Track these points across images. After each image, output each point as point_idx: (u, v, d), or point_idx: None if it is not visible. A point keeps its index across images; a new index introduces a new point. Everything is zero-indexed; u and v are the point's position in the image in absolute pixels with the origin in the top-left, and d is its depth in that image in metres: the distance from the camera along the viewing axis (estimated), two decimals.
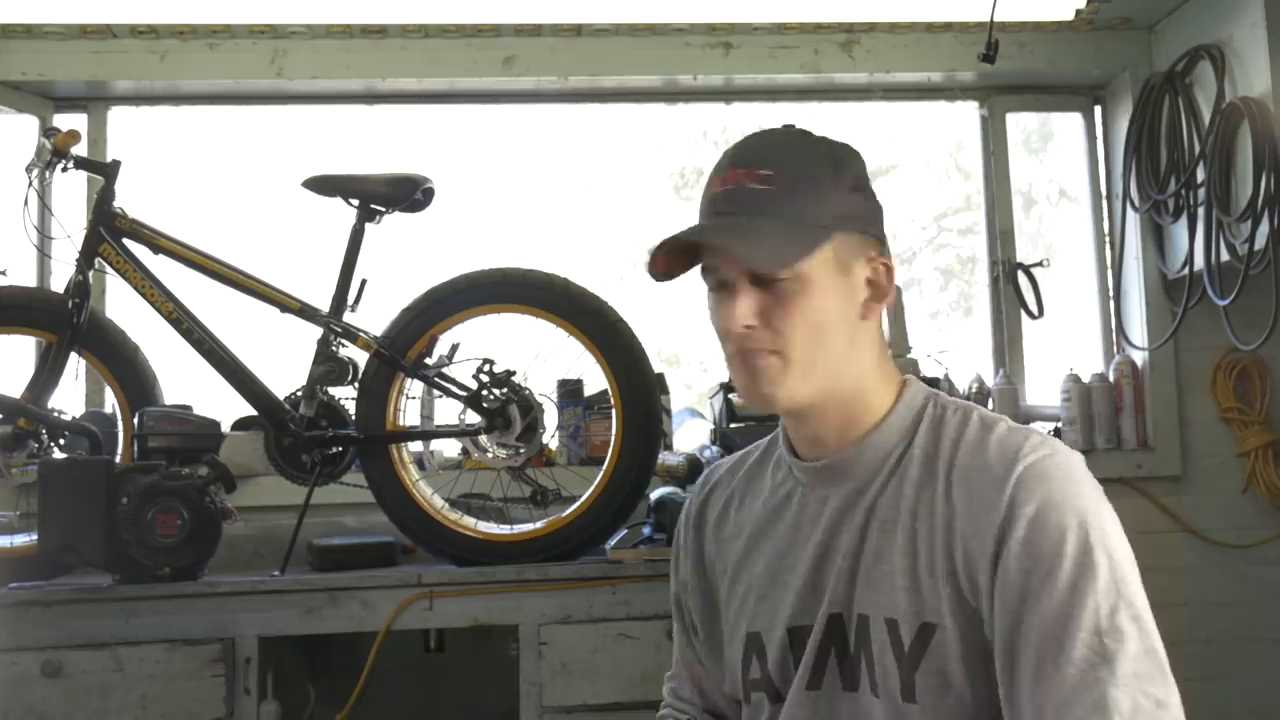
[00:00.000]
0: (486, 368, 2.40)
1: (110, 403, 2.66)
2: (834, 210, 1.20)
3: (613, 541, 2.41)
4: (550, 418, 2.49)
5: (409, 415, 2.47)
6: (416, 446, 2.74)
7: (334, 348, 2.42)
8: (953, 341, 3.36)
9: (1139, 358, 3.11)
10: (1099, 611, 1.06)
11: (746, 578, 1.33)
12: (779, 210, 1.17)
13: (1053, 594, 1.07)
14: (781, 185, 1.18)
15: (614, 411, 2.41)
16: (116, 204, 2.42)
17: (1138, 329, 3.11)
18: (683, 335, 3.42)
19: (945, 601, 1.14)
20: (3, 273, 2.61)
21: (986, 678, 1.12)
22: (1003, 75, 3.11)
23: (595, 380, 2.67)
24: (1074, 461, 1.16)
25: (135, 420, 2.40)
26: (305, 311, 2.41)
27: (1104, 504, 1.14)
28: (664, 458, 2.60)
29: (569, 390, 2.83)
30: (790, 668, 1.26)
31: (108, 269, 2.42)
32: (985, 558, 1.12)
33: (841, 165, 1.23)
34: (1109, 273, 3.23)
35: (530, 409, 2.39)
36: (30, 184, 2.42)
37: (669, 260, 1.23)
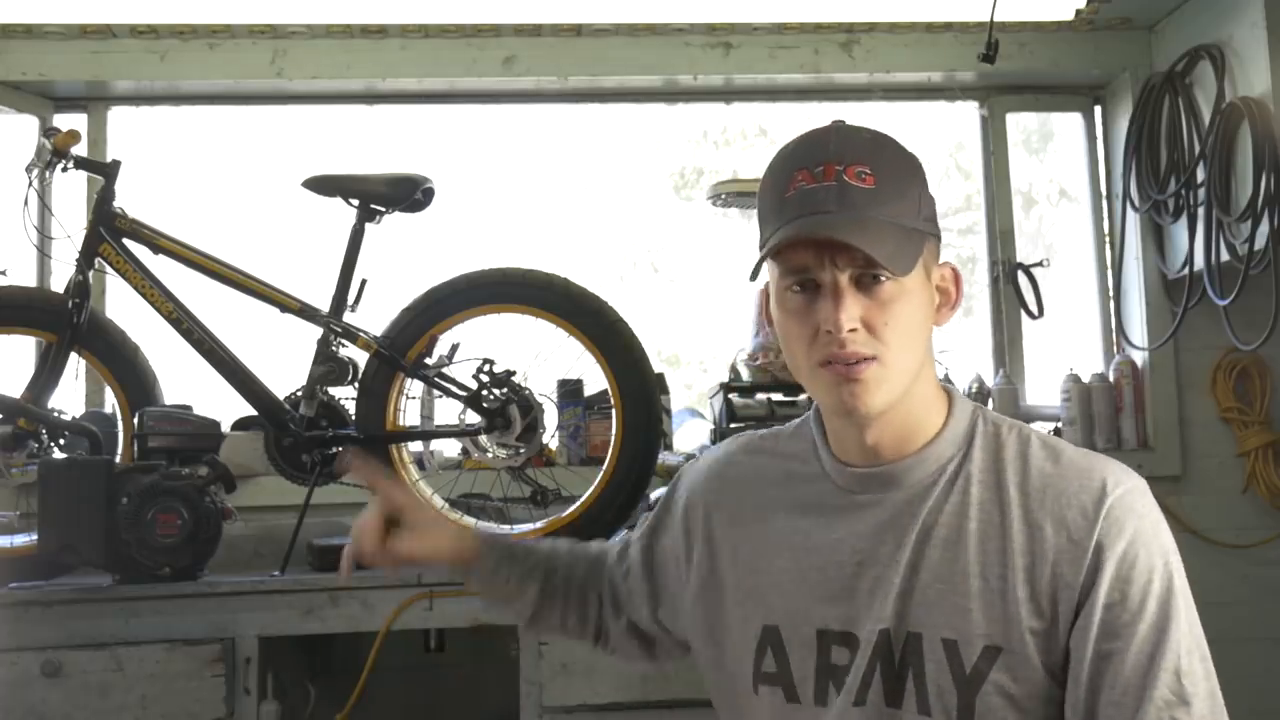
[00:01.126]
0: (486, 368, 2.40)
1: (110, 403, 2.66)
2: (924, 212, 1.20)
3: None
4: (550, 418, 2.48)
5: (409, 415, 2.47)
6: (416, 446, 2.74)
7: (334, 348, 2.42)
8: (953, 341, 3.36)
9: (1139, 358, 3.11)
10: (1179, 654, 1.09)
11: (765, 568, 1.29)
12: (884, 211, 1.15)
13: (1139, 634, 1.10)
14: (882, 184, 1.15)
15: (614, 411, 2.41)
16: (116, 204, 2.42)
17: (1138, 329, 3.11)
18: (683, 335, 3.41)
19: (1018, 626, 1.13)
20: (3, 273, 2.61)
21: (1049, 702, 1.13)
22: (1003, 75, 3.11)
23: (595, 380, 2.67)
24: (1148, 491, 1.18)
25: (135, 420, 2.40)
26: (305, 311, 2.41)
27: (1170, 535, 1.17)
28: (664, 458, 2.60)
29: (569, 390, 2.83)
30: (812, 670, 1.24)
31: (108, 269, 2.42)
32: (1072, 589, 1.12)
33: (919, 166, 1.23)
34: (1109, 273, 3.23)
35: (530, 409, 2.39)
36: (30, 184, 2.42)
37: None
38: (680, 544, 1.41)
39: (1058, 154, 3.44)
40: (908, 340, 1.17)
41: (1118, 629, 1.10)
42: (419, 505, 1.50)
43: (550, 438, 2.51)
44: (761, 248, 1.20)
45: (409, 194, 2.42)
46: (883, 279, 1.15)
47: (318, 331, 2.41)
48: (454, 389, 2.40)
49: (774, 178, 1.21)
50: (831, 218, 1.13)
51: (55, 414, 2.41)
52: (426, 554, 1.44)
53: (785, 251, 1.17)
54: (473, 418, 2.41)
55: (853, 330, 1.14)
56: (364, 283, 2.44)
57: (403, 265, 2.74)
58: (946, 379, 2.96)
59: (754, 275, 1.22)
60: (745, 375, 2.87)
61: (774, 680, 1.26)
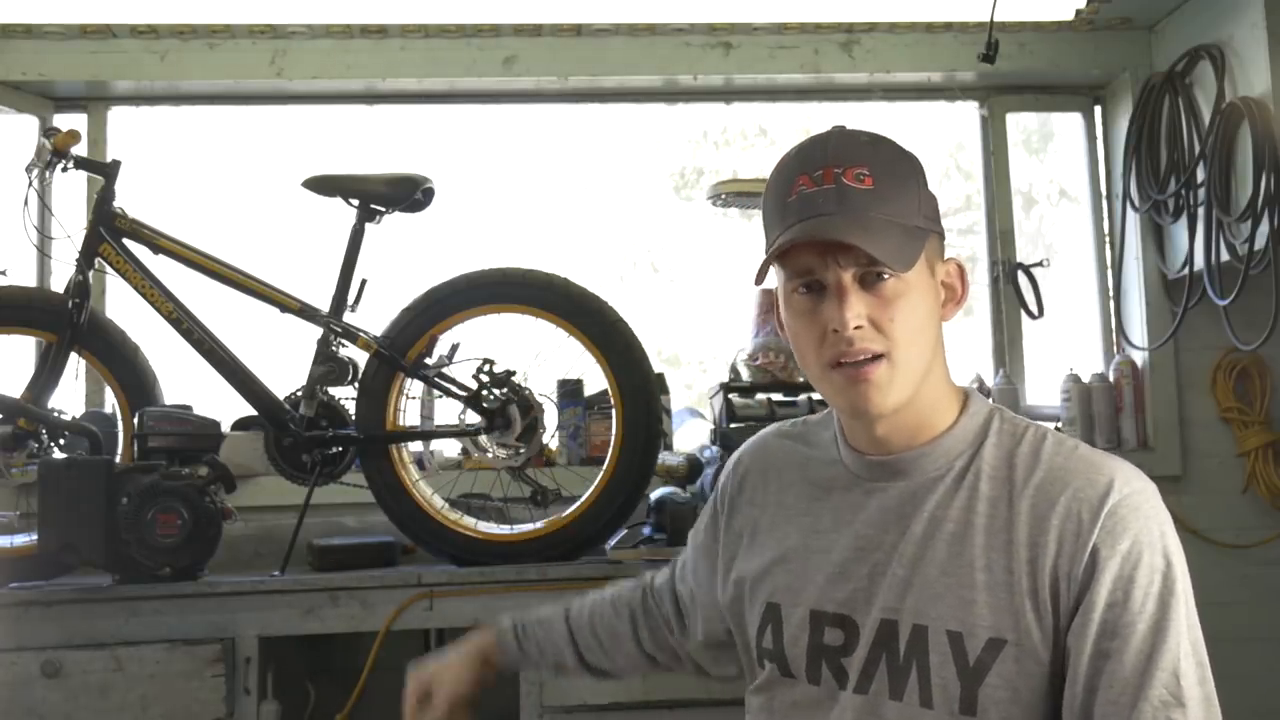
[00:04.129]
0: (486, 368, 2.40)
1: (110, 403, 2.66)
2: (924, 210, 1.22)
3: (613, 541, 2.41)
4: (550, 418, 2.49)
5: (409, 415, 2.47)
6: (416, 446, 2.74)
7: (334, 348, 2.42)
8: (953, 341, 3.35)
9: (1139, 358, 3.11)
10: (1177, 656, 1.09)
11: (775, 544, 1.33)
12: (884, 210, 1.17)
13: (1138, 635, 1.10)
14: (880, 184, 1.18)
15: (614, 411, 2.41)
16: (116, 204, 2.42)
17: (1138, 329, 3.11)
18: (683, 335, 3.41)
19: (1022, 618, 1.14)
20: (3, 273, 2.61)
21: (1048, 694, 1.14)
22: (1003, 75, 3.11)
23: (595, 380, 2.67)
24: (1157, 494, 1.18)
25: (135, 420, 2.40)
26: (305, 311, 2.41)
27: (1177, 539, 1.16)
28: (664, 458, 2.60)
29: (569, 390, 2.83)
30: (804, 649, 1.26)
31: (108, 269, 2.42)
32: (1072, 585, 1.13)
33: (918, 165, 1.25)
34: (1109, 273, 3.23)
35: (530, 409, 2.39)
36: (30, 184, 2.42)
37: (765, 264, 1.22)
38: (722, 526, 1.44)
39: (1058, 154, 3.44)
40: (915, 335, 1.19)
41: (1117, 629, 1.11)
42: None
43: (550, 438, 2.52)
44: (767, 253, 1.22)
45: (409, 194, 2.42)
46: (886, 276, 1.17)
47: (318, 331, 2.42)
48: (454, 389, 2.40)
49: (776, 185, 1.23)
50: (832, 219, 1.16)
51: (55, 414, 2.41)
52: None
53: (789, 254, 1.19)
54: (473, 418, 2.41)
55: (859, 327, 1.16)
56: (364, 283, 2.44)
57: (403, 265, 2.74)
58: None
59: (759, 279, 1.23)
60: (745, 375, 2.87)
61: (771, 657, 1.30)
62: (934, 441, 1.24)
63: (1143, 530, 1.13)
